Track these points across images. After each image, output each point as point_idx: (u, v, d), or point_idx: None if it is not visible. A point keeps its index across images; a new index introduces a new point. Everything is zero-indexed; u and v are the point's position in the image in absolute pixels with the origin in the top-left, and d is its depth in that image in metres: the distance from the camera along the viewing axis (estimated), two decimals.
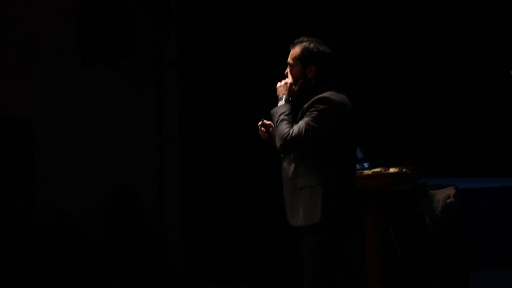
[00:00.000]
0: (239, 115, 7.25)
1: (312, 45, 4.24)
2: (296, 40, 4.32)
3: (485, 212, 6.19)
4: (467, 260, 5.75)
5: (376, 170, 4.88)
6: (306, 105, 4.14)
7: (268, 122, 4.34)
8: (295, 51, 4.27)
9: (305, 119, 4.07)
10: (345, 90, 4.23)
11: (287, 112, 4.17)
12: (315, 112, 4.07)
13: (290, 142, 4.05)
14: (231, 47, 7.36)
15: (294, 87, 4.26)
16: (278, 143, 4.12)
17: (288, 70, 4.31)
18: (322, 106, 4.08)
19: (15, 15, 7.43)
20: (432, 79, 7.27)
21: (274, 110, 4.22)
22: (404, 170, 4.86)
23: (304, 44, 4.26)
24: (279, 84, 4.28)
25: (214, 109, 7.33)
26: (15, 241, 7.25)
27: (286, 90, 4.25)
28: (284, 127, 4.10)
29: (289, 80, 4.25)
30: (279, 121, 4.15)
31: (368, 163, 4.97)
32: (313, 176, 4.09)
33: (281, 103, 4.21)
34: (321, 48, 4.25)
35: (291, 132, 4.06)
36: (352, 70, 6.98)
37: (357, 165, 4.82)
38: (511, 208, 6.29)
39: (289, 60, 4.30)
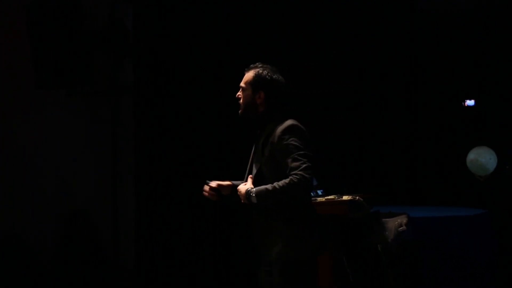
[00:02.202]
0: (195, 141, 7.26)
1: (265, 72, 4.27)
2: (251, 65, 4.35)
3: (437, 241, 6.26)
4: None
5: (329, 197, 4.91)
6: (276, 137, 4.11)
7: (214, 185, 4.31)
8: (249, 75, 4.29)
9: (293, 155, 4.01)
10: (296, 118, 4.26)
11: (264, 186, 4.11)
12: (293, 141, 4.06)
13: (304, 183, 3.95)
14: (187, 73, 7.39)
15: (240, 110, 4.28)
16: (296, 196, 4.01)
17: (239, 93, 4.35)
18: (293, 134, 4.07)
19: None
20: (385, 110, 7.36)
21: (258, 192, 4.10)
22: (357, 198, 4.89)
23: (257, 69, 4.28)
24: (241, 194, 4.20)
25: (170, 135, 7.34)
26: None
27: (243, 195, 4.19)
28: (284, 185, 3.99)
29: (242, 189, 4.18)
30: (273, 190, 4.02)
31: (322, 190, 5.00)
32: (288, 207, 4.07)
33: (254, 193, 4.11)
34: (274, 76, 4.27)
35: (298, 179, 3.95)
36: (308, 98, 7.05)
37: (311, 192, 4.84)
38: (461, 237, 6.37)
39: (242, 83, 4.32)
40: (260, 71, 4.28)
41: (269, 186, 4.04)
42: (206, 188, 4.33)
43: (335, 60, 7.29)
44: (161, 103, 7.35)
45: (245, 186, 4.16)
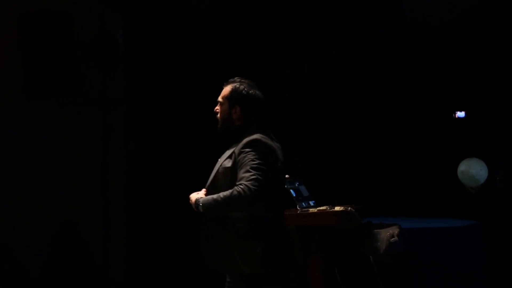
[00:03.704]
0: (186, 151, 7.25)
1: (241, 87, 4.26)
2: (230, 80, 4.35)
3: (428, 252, 6.25)
4: None
5: (321, 208, 4.90)
6: (236, 149, 4.11)
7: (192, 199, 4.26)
8: (226, 90, 4.29)
9: (246, 167, 3.99)
10: (271, 134, 4.25)
11: (211, 196, 4.09)
12: (250, 155, 4.04)
13: (246, 193, 3.91)
14: (177, 85, 7.39)
15: (218, 124, 4.28)
16: (237, 207, 3.98)
17: (217, 107, 4.34)
18: (253, 148, 4.05)
19: None
20: (377, 121, 7.36)
21: (204, 202, 4.09)
22: (349, 208, 4.88)
23: (235, 84, 4.28)
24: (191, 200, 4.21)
25: (160, 145, 7.33)
26: None
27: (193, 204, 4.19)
28: (227, 195, 3.98)
29: (193, 198, 4.19)
30: (217, 200, 4.01)
31: (314, 201, 4.99)
32: (247, 219, 4.04)
33: (201, 202, 4.12)
34: (250, 91, 4.26)
35: (241, 188, 3.93)
36: (298, 110, 7.06)
37: (303, 203, 4.84)
38: (452, 248, 6.36)
39: (219, 98, 4.32)
40: (237, 86, 4.27)
41: (215, 196, 4.03)
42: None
43: (327, 70, 7.29)
44: (151, 113, 7.34)
45: (197, 195, 4.17)
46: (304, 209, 4.80)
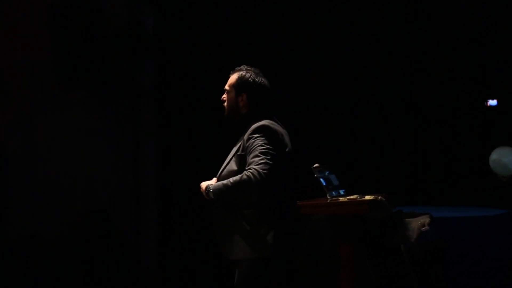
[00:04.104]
0: (215, 141, 7.25)
1: (248, 75, 4.30)
2: (236, 68, 4.36)
3: (460, 241, 6.21)
4: None
5: (351, 197, 4.86)
6: (245, 136, 4.14)
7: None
8: (233, 78, 4.34)
9: (255, 152, 4.02)
10: (279, 121, 4.28)
11: (221, 182, 4.12)
12: (259, 140, 4.07)
13: (256, 177, 3.94)
14: (207, 75, 7.39)
15: (224, 112, 4.31)
16: (247, 191, 4.00)
17: (224, 95, 4.34)
18: (261, 134, 4.09)
19: None
20: (409, 109, 7.31)
21: (215, 188, 4.13)
22: (379, 197, 4.85)
23: (241, 72, 4.32)
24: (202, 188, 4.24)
25: (191, 135, 7.34)
26: None
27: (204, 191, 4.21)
28: (236, 179, 4.01)
29: (203, 185, 4.21)
30: (227, 185, 4.05)
31: (343, 190, 4.95)
32: (256, 205, 4.06)
33: (212, 188, 4.15)
34: (257, 79, 4.30)
35: (251, 173, 3.96)
36: (324, 98, 7.04)
37: (333, 192, 4.81)
38: (484, 237, 6.32)
39: (226, 86, 4.35)
40: (243, 74, 4.31)
41: (225, 181, 4.07)
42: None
43: (351, 58, 7.24)
44: (181, 103, 7.35)
45: (207, 182, 4.20)
46: (334, 198, 4.76)
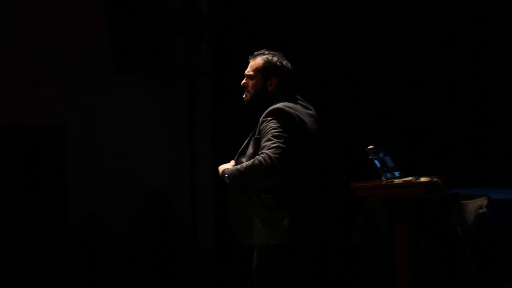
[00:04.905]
0: None
1: (275, 59, 4.25)
2: (256, 52, 4.32)
3: None
4: (500, 272, 5.66)
5: (407, 179, 4.82)
6: (260, 121, 4.11)
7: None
8: (256, 62, 4.26)
9: (267, 136, 3.99)
10: (304, 102, 4.26)
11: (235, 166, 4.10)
12: (272, 123, 4.03)
13: (267, 161, 3.92)
14: None
15: (246, 96, 4.28)
16: (259, 176, 3.99)
17: (245, 81, 4.29)
18: (274, 116, 4.05)
19: (49, 24, 7.54)
20: (465, 88, 7.19)
21: (230, 172, 4.10)
22: (435, 179, 4.79)
23: (266, 56, 4.26)
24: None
25: (246, 116, 7.33)
26: (49, 246, 7.33)
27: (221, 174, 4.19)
28: (249, 164, 3.99)
29: (220, 169, 4.19)
30: (240, 169, 4.03)
31: (399, 172, 4.91)
32: (272, 190, 4.04)
33: (227, 173, 4.12)
34: (284, 62, 4.26)
35: (262, 157, 3.93)
36: (383, 79, 6.96)
37: (388, 174, 4.78)
38: None
39: (249, 71, 4.29)
40: (270, 58, 4.25)
41: (238, 166, 4.05)
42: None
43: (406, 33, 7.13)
44: (237, 85, 7.35)
45: (224, 166, 4.18)
46: (389, 180, 4.73)
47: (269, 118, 4.06)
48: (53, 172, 7.71)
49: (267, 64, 4.24)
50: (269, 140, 3.97)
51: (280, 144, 3.94)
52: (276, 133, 3.98)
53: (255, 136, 4.14)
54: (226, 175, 4.10)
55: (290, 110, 4.11)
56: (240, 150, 4.24)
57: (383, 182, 4.75)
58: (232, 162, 4.20)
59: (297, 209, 4.06)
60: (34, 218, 7.57)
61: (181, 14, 7.23)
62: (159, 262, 7.13)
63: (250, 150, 4.15)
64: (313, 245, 4.16)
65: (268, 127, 4.03)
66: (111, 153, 7.58)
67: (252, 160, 3.98)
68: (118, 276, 7.10)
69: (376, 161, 4.76)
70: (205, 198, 7.46)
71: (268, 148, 3.95)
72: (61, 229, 7.57)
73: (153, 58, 7.18)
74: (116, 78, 7.40)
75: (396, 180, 4.78)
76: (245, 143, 4.24)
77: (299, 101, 4.27)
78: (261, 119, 4.11)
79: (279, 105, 4.11)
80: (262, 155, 3.94)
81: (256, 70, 4.26)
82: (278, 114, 4.06)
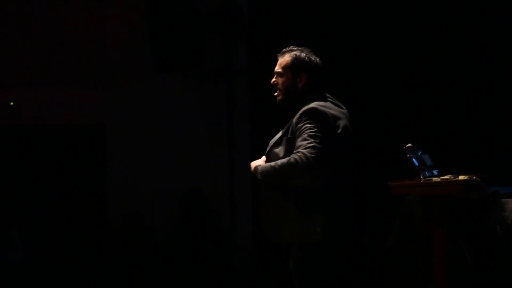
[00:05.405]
0: None
1: (303, 54, 4.24)
2: (284, 49, 4.30)
3: None
4: None
5: (445, 177, 4.78)
6: (294, 119, 4.09)
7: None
8: (285, 59, 4.26)
9: (303, 136, 3.98)
10: (335, 100, 4.26)
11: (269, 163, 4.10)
12: (307, 123, 4.02)
13: (303, 160, 3.90)
14: None
15: (278, 95, 4.27)
16: (294, 175, 3.98)
17: (274, 79, 4.28)
18: (309, 116, 4.04)
19: (90, 24, 7.61)
20: (505, 85, 7.09)
21: (263, 169, 4.10)
22: (473, 177, 4.75)
23: (294, 53, 4.25)
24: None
25: (284, 116, 7.33)
26: (90, 243, 7.41)
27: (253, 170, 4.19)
28: (284, 162, 3.98)
29: (253, 165, 4.19)
30: (274, 167, 4.02)
31: (437, 170, 4.87)
32: (306, 189, 4.04)
33: (260, 169, 4.13)
34: (312, 58, 4.25)
35: (298, 156, 3.92)
36: (419, 78, 6.92)
37: (426, 172, 4.74)
38: None
39: (278, 68, 4.28)
40: (298, 54, 4.24)
41: (272, 163, 4.03)
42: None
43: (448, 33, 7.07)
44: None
45: (257, 162, 4.18)
46: (427, 179, 4.70)
47: (304, 119, 4.05)
48: (94, 170, 7.79)
49: (295, 61, 4.24)
50: (304, 139, 3.97)
51: (316, 144, 3.94)
52: (311, 133, 3.98)
53: (288, 136, 4.13)
54: (259, 172, 4.10)
55: (324, 109, 4.11)
56: (269, 147, 4.24)
57: (421, 181, 4.71)
58: (264, 158, 4.20)
59: (329, 209, 4.06)
60: (75, 215, 7.65)
61: (220, 13, 7.25)
62: (197, 260, 7.15)
63: (281, 149, 4.15)
64: (346, 244, 4.15)
65: (303, 127, 4.03)
66: (150, 151, 7.63)
67: (288, 158, 3.98)
68: (156, 274, 7.14)
69: (414, 160, 4.73)
70: (243, 197, 7.47)
71: (304, 147, 3.94)
72: (101, 227, 7.64)
73: (192, 57, 7.21)
74: (155, 77, 7.45)
75: (434, 179, 4.74)
76: (275, 139, 4.24)
77: (329, 99, 4.27)
78: (294, 119, 4.11)
79: (313, 105, 4.10)
80: (299, 153, 3.93)
81: (285, 67, 4.27)
82: (312, 114, 4.06)
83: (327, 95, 4.27)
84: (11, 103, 7.75)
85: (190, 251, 7.20)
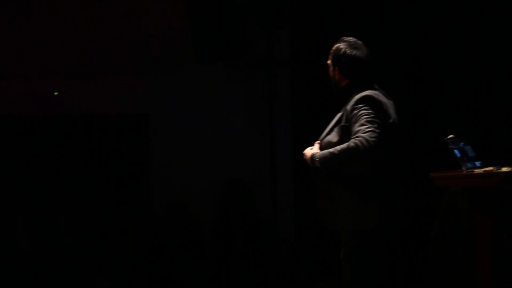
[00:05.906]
0: None
1: (341, 47, 4.27)
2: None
3: None
4: None
5: (488, 169, 4.73)
6: (348, 107, 4.09)
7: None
8: (332, 50, 4.31)
9: (360, 121, 3.99)
10: (383, 91, 4.26)
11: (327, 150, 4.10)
12: (364, 110, 4.03)
13: (363, 145, 3.92)
14: None
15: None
16: (355, 159, 3.99)
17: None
18: (365, 103, 4.06)
19: (131, 14, 7.65)
20: None
21: (321, 156, 4.11)
22: None
23: (337, 45, 4.30)
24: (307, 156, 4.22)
25: (325, 107, 7.31)
26: (134, 233, 7.47)
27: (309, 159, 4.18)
28: (344, 147, 3.99)
29: (308, 153, 4.20)
30: (334, 152, 4.04)
31: (480, 162, 4.83)
32: (361, 176, 4.06)
33: (318, 157, 4.13)
34: (348, 51, 4.24)
35: (359, 140, 3.93)
36: (465, 69, 6.85)
37: (468, 164, 4.70)
38: None
39: (329, 59, 4.34)
40: (337, 46, 4.30)
41: (331, 149, 4.03)
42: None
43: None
44: (317, 74, 7.33)
45: (311, 150, 4.15)
46: (469, 170, 4.66)
47: (361, 105, 4.07)
48: (138, 160, 7.85)
49: (334, 54, 4.32)
50: (362, 125, 3.99)
51: (375, 129, 3.96)
52: (369, 119, 4.00)
53: (342, 123, 4.14)
54: (317, 158, 4.11)
55: (378, 97, 4.13)
56: (322, 136, 4.26)
57: (464, 172, 4.68)
58: (317, 145, 4.21)
59: (384, 196, 4.07)
60: (119, 204, 7.72)
61: (262, 3, 7.24)
62: (239, 251, 7.17)
63: (335, 137, 4.17)
64: (395, 232, 4.18)
65: (359, 113, 4.05)
66: (192, 141, 7.66)
67: (347, 143, 3.99)
68: (199, 264, 7.18)
69: (456, 151, 4.70)
70: (285, 187, 7.48)
71: (363, 132, 3.96)
72: (145, 217, 7.70)
73: (234, 47, 7.22)
74: (197, 67, 7.47)
75: (477, 170, 4.70)
76: (327, 129, 4.25)
77: (378, 90, 4.27)
78: (349, 106, 4.12)
79: (367, 92, 4.13)
80: (358, 138, 3.95)
81: (331, 58, 4.34)
82: (369, 101, 4.08)
83: (375, 86, 4.27)
84: (56, 93, 7.83)
85: (232, 241, 7.22)
